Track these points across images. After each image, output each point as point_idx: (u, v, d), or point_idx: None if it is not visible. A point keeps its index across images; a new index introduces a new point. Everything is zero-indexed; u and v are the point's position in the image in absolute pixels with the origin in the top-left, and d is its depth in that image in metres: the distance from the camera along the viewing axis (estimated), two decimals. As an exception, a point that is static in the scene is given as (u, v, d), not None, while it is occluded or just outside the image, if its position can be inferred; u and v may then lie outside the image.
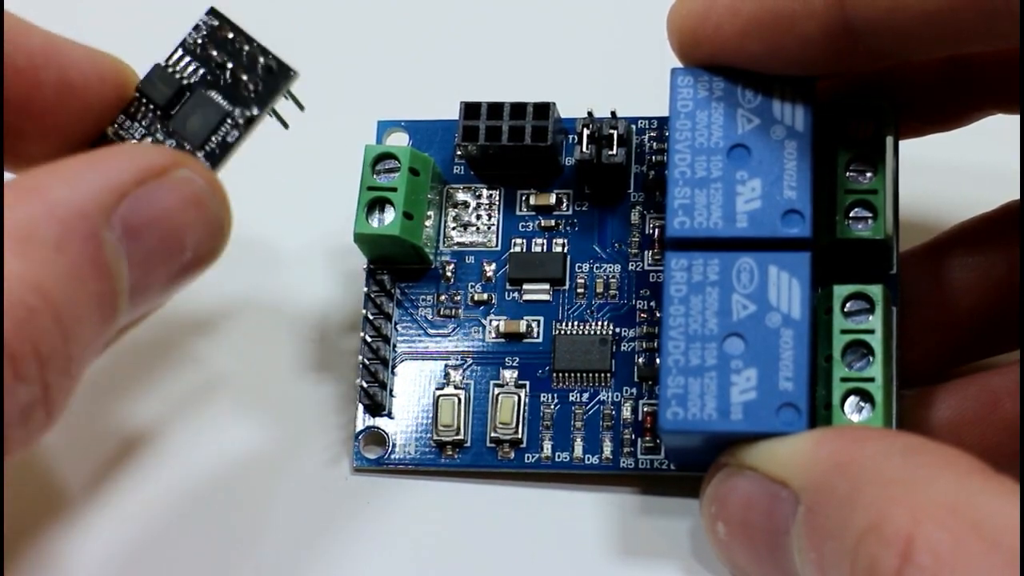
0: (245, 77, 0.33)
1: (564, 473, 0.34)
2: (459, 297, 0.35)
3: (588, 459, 0.34)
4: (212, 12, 0.33)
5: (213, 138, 0.33)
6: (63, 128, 0.31)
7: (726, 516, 0.30)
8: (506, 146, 0.35)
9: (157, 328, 0.37)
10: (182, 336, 0.37)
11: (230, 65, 0.33)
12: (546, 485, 0.34)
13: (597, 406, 0.34)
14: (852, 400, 0.31)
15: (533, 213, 0.36)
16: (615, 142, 0.34)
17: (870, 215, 0.32)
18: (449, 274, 0.35)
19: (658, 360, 0.34)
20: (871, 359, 0.31)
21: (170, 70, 0.33)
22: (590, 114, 0.35)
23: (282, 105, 0.33)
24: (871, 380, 0.31)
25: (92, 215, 0.28)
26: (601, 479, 0.34)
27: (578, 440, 0.34)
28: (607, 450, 0.34)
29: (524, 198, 0.36)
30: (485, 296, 0.35)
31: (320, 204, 0.38)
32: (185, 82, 0.33)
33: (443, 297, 0.35)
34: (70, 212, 0.27)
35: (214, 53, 0.33)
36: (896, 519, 0.25)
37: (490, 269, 0.35)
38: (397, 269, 0.35)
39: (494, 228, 0.36)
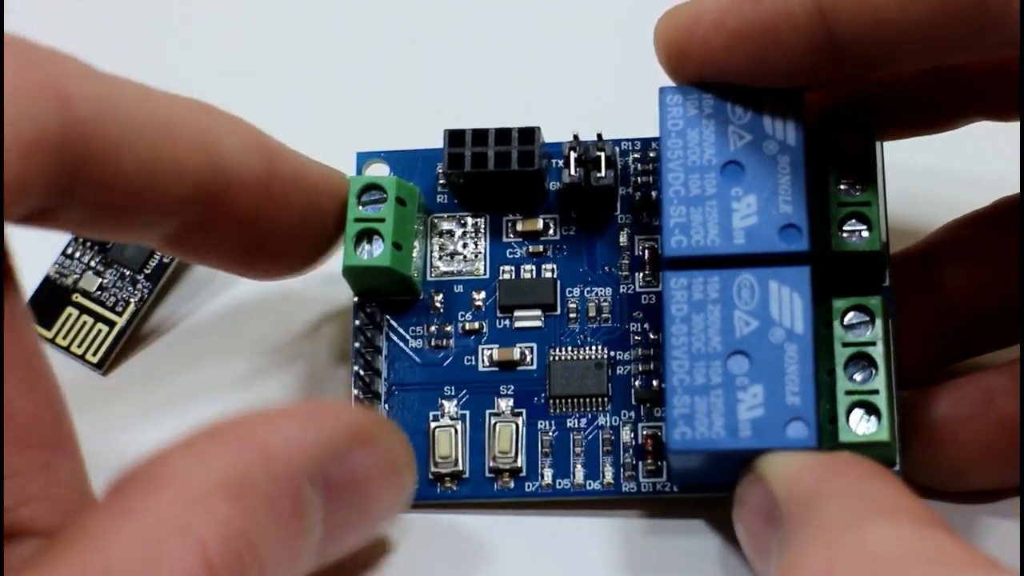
0: None
1: (566, 500, 0.34)
2: (450, 327, 0.35)
3: (589, 485, 0.34)
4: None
5: (150, 262, 0.37)
6: (301, 246, 0.33)
7: (742, 518, 0.30)
8: (493, 172, 0.34)
9: (150, 364, 0.37)
10: (172, 372, 0.37)
11: None
12: (548, 512, 0.34)
13: (596, 431, 0.34)
14: (857, 413, 0.31)
15: (520, 239, 0.35)
16: (603, 164, 0.34)
17: (864, 227, 0.32)
18: (438, 304, 0.35)
19: (655, 383, 0.34)
20: (873, 371, 0.31)
21: None
22: (576, 137, 0.34)
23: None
24: (875, 392, 0.31)
25: (303, 473, 0.28)
26: (604, 504, 0.34)
27: (578, 466, 0.34)
28: (608, 475, 0.33)
29: (510, 224, 0.35)
30: (476, 325, 0.35)
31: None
32: None
33: (433, 328, 0.35)
34: (285, 468, 0.28)
35: None
36: (809, 566, 0.25)
37: (479, 297, 0.35)
38: (386, 301, 0.35)
39: (481, 256, 0.35)
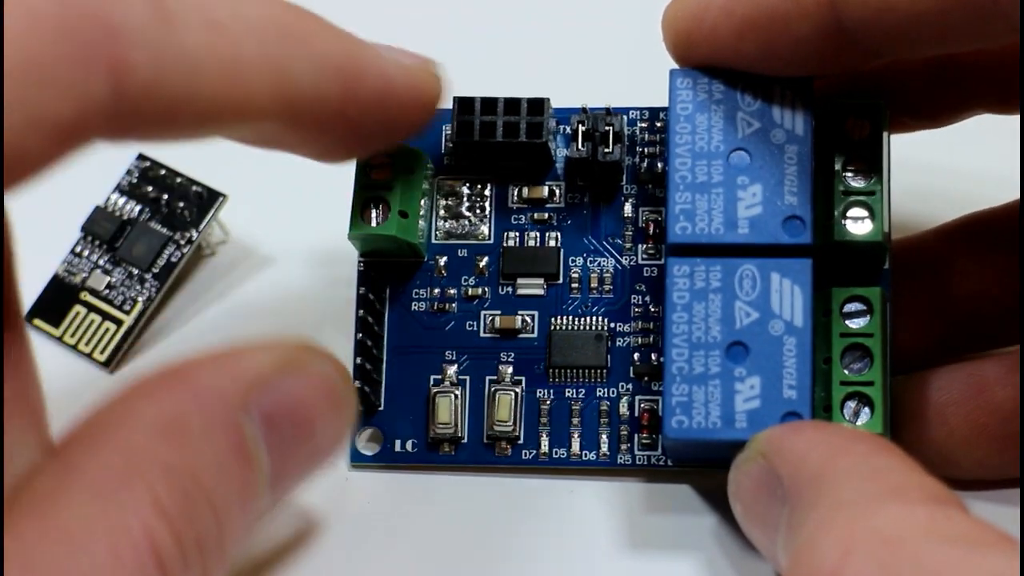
0: (181, 205, 0.37)
1: (562, 469, 0.34)
2: (452, 291, 0.35)
3: (585, 455, 0.34)
4: (141, 156, 0.38)
5: (159, 260, 0.37)
6: (377, 145, 0.33)
7: (741, 497, 0.30)
8: (500, 142, 0.34)
9: (157, 363, 0.37)
10: (177, 341, 0.37)
11: (165, 197, 0.38)
12: (544, 476, 0.35)
13: (594, 402, 0.34)
14: (851, 403, 0.31)
15: (525, 206, 0.36)
16: (611, 139, 0.34)
17: (867, 215, 0.32)
18: (442, 267, 0.35)
19: (654, 356, 0.34)
20: (869, 361, 0.31)
21: (109, 209, 0.38)
22: (584, 110, 0.34)
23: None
24: (870, 384, 0.31)
25: (234, 404, 0.28)
26: (599, 472, 0.34)
27: (575, 436, 0.34)
28: (604, 446, 0.34)
29: (516, 191, 0.36)
30: (479, 291, 0.35)
31: (310, 199, 0.38)
32: (125, 218, 0.38)
33: (436, 291, 0.35)
34: (216, 402, 0.28)
35: (148, 190, 0.38)
36: (826, 548, 0.25)
37: (483, 262, 0.35)
38: (390, 264, 0.35)
39: (486, 220, 0.36)
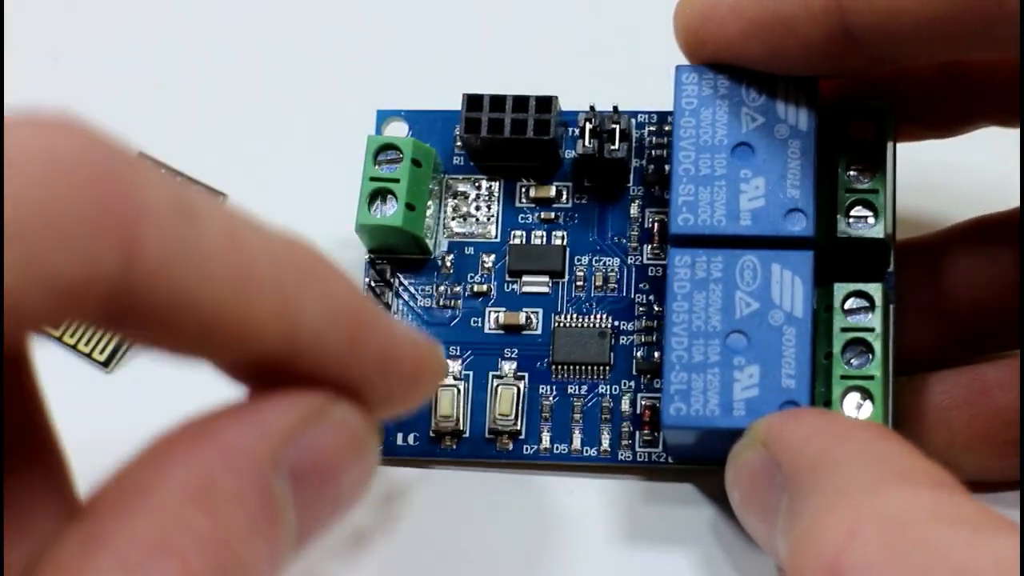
0: None
1: (562, 464, 0.34)
2: (458, 288, 0.35)
3: (586, 451, 0.34)
4: (140, 155, 0.37)
5: None
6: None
7: (739, 485, 0.30)
8: (508, 139, 0.35)
9: (156, 363, 0.37)
10: (178, 371, 0.36)
11: None
12: (543, 472, 0.35)
13: (596, 399, 0.34)
14: (852, 397, 0.31)
15: (533, 205, 0.36)
16: (617, 137, 0.35)
17: (870, 214, 0.32)
18: (448, 264, 0.36)
19: (656, 354, 0.34)
20: (871, 356, 0.31)
21: None
22: (592, 108, 0.35)
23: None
24: (871, 378, 0.31)
25: (264, 463, 0.27)
26: (599, 469, 0.34)
27: (576, 432, 0.34)
28: (605, 442, 0.34)
29: (524, 190, 0.36)
30: (484, 287, 0.35)
31: (319, 194, 0.38)
32: None
33: (442, 288, 0.35)
34: (247, 461, 0.27)
35: None
36: (830, 531, 0.25)
37: (489, 260, 0.36)
38: (397, 259, 0.36)
39: (494, 219, 0.36)
